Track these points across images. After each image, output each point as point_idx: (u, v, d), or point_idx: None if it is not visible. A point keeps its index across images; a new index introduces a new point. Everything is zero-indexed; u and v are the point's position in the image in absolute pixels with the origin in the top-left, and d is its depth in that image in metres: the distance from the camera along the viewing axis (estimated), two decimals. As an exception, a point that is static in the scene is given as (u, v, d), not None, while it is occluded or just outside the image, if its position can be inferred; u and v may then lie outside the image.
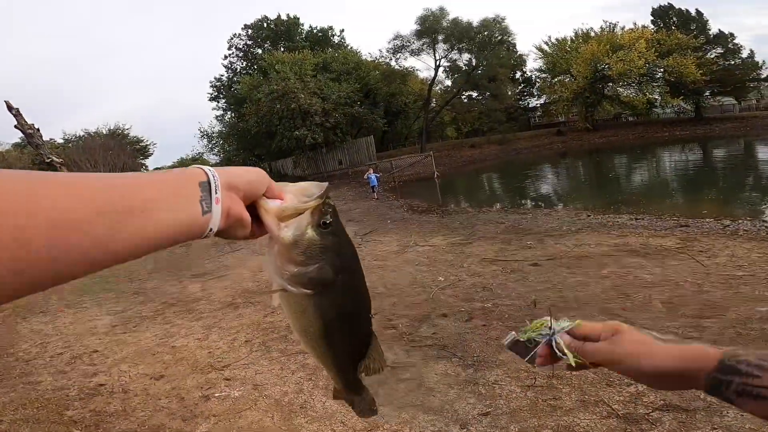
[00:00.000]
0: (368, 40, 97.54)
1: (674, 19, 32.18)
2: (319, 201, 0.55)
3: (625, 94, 30.82)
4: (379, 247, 7.02)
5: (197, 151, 42.36)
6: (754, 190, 12.09)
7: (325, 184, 0.57)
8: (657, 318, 3.11)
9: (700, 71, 27.74)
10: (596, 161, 22.22)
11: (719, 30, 31.19)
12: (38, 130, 14.32)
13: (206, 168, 0.44)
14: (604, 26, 32.71)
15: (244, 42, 34.16)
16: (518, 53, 34.73)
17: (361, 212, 11.60)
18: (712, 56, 30.42)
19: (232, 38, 34.19)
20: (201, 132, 34.17)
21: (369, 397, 0.76)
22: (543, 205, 12.01)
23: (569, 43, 33.20)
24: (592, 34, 32.29)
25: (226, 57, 34.54)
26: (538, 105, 39.54)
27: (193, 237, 0.43)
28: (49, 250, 0.32)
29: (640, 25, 31.71)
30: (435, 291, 4.44)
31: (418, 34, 30.09)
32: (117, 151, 29.92)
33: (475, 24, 29.60)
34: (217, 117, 35.51)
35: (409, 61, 41.97)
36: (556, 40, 34.09)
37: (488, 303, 3.89)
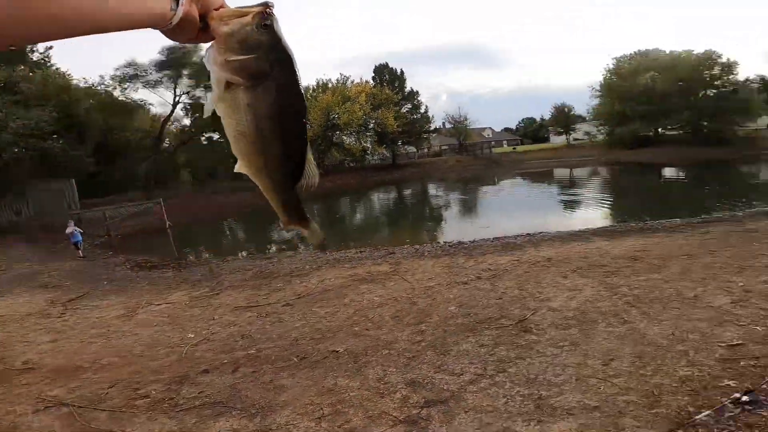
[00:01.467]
0: (87, 65, 79.43)
1: (387, 76, 41.03)
2: (261, 8, 0.62)
3: (347, 142, 36.59)
4: (96, 314, 5.74)
5: None
6: (429, 221, 16.79)
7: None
8: (391, 331, 3.82)
9: (397, 123, 36.08)
10: (328, 204, 25.25)
11: (411, 88, 41.82)
12: None
13: None
14: (339, 78, 38.16)
15: None
16: (269, 97, 35.94)
17: (61, 275, 9.07)
18: (404, 110, 40.18)
19: None
20: None
21: (317, 229, 0.79)
22: (286, 247, 12.67)
23: (311, 91, 36.97)
24: (330, 85, 37.15)
25: None
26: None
27: (160, 25, 0.60)
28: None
29: (364, 80, 38.84)
30: (187, 349, 3.98)
31: (161, 65, 26.90)
32: None
33: (235, 63, 28.97)
34: None
35: (140, 93, 36.72)
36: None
37: (251, 350, 3.79)
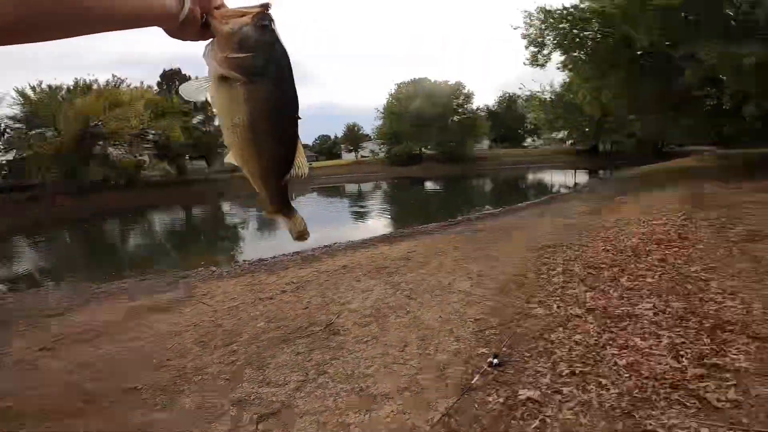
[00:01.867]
0: None
1: (178, 83, 35.45)
2: (260, 9, 0.67)
3: (115, 154, 30.18)
4: None
5: None
6: (225, 240, 15.84)
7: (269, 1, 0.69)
8: (198, 357, 3.56)
9: (186, 135, 32.00)
10: (87, 229, 20.48)
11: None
12: None
13: None
14: (111, 80, 31.05)
15: None
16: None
17: None
18: (196, 122, 35.83)
19: None
20: None
21: (300, 219, 0.81)
22: (25, 285, 9.76)
23: (64, 92, 28.88)
24: (95, 86, 29.86)
25: None
26: (5, 162, 30.86)
27: (168, 21, 0.64)
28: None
29: (146, 85, 32.87)
30: None
31: None
32: None
33: None
34: None
35: None
36: (49, 86, 28.68)
37: (6, 403, 2.89)
